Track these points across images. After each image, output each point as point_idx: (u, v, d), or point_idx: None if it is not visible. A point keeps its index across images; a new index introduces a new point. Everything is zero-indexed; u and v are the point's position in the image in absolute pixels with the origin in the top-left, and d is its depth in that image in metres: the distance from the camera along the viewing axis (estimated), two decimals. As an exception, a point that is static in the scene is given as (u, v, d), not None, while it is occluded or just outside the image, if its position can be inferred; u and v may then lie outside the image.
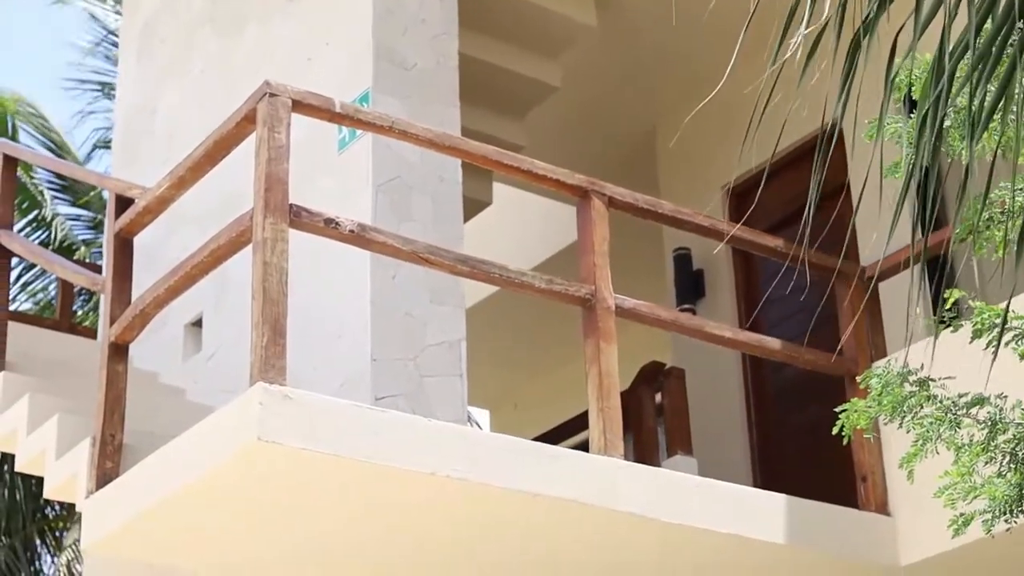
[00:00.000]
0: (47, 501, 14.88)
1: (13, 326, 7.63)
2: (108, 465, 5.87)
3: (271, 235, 5.14)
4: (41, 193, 15.50)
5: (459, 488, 5.27)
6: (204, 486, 5.23)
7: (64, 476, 6.29)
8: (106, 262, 6.34)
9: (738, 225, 6.59)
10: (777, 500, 6.09)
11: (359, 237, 5.47)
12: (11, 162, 7.79)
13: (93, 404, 6.09)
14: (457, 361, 6.89)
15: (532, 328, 11.63)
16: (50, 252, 9.90)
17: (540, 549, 5.85)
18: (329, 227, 5.38)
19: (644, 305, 6.17)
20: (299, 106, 5.42)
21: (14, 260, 15.05)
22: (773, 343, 6.58)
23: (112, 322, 6.06)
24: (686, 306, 9.46)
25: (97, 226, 15.84)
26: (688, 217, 6.54)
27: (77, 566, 13.15)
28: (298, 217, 5.28)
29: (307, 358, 6.36)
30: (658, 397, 8.05)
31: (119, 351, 6.06)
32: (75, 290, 13.85)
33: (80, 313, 14.82)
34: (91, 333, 9.56)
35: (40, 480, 14.68)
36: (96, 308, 13.51)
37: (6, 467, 14.05)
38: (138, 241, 6.38)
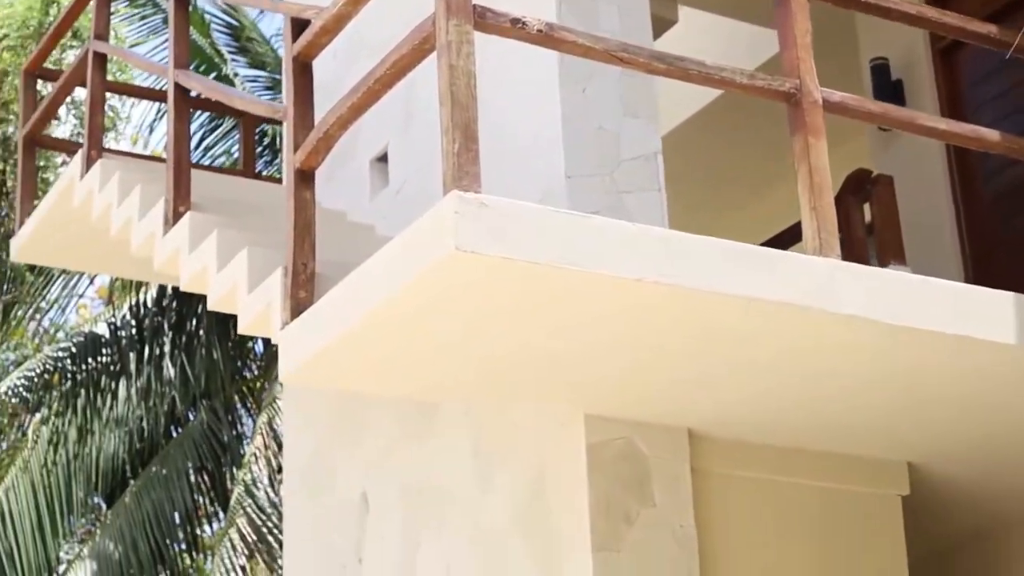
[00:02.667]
0: (245, 362, 14.96)
1: (196, 173, 7.48)
2: (301, 295, 5.71)
3: (455, 38, 4.85)
4: (219, 53, 15.42)
5: (667, 294, 4.98)
6: (399, 305, 5.01)
7: (257, 310, 6.14)
8: (286, 88, 6.13)
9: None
10: (1005, 299, 5.69)
11: (548, 37, 5.15)
12: (182, 2, 7.61)
13: (282, 238, 5.92)
14: (655, 175, 6.60)
15: (724, 157, 11.24)
16: (228, 87, 9.74)
17: (752, 355, 5.55)
18: (516, 27, 5.07)
19: (852, 98, 5.80)
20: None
21: (194, 126, 15.11)
22: (991, 135, 6.17)
23: (296, 148, 5.85)
24: (886, 119, 9.01)
25: (274, 86, 15.73)
26: (893, 5, 6.12)
27: (278, 422, 13.20)
28: (483, 18, 4.97)
29: (499, 178, 6.08)
30: (866, 208, 7.65)
31: (305, 178, 5.86)
32: (257, 150, 13.77)
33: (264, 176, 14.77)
34: (276, 181, 9.43)
35: (237, 342, 14.79)
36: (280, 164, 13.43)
37: (202, 329, 14.13)
38: (317, 78, 6.16)
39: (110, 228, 7.80)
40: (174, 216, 7.01)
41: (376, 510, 7.18)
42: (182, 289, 7.26)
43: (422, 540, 6.79)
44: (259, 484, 13.52)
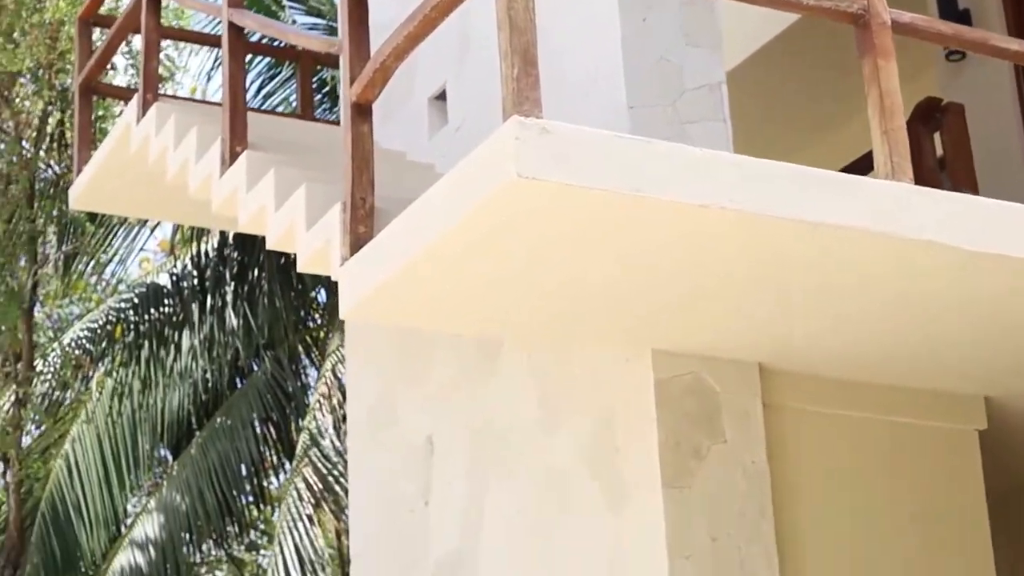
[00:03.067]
0: (309, 312, 14.90)
1: (254, 116, 7.37)
2: (361, 229, 5.58)
3: (513, -38, 4.69)
4: (277, 1, 15.31)
5: (736, 220, 4.83)
6: (460, 236, 4.87)
7: (315, 247, 6.02)
8: (341, 20, 5.99)
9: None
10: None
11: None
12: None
13: (340, 177, 5.80)
14: (719, 105, 6.45)
15: (784, 97, 11.03)
16: (283, 24, 9.61)
17: (825, 283, 5.38)
18: (574, -50, 4.93)
19: (921, 19, 5.62)
20: None
21: (253, 75, 15.01)
22: (1065, 56, 5.96)
23: (352, 82, 5.72)
24: (953, 51, 8.80)
25: (332, 33, 15.61)
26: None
27: (341, 370, 13.13)
28: (541, -59, 4.82)
29: (558, 109, 5.93)
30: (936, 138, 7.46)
31: (362, 112, 5.73)
32: (316, 97, 13.66)
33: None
34: (333, 123, 9.32)
35: (299, 291, 14.72)
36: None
37: (264, 279, 14.08)
38: (375, 19, 6.02)
39: (167, 172, 7.70)
40: (231, 156, 6.90)
41: (442, 453, 7.08)
42: (240, 230, 7.16)
43: (489, 482, 6.69)
44: (324, 433, 13.48)
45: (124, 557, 13.59)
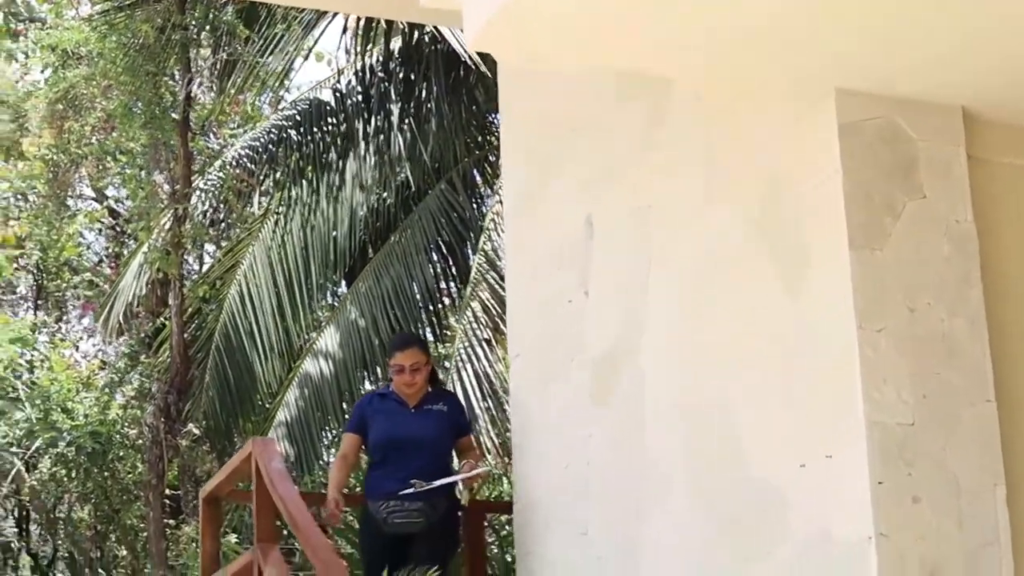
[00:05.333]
0: (481, 130, 14.20)
1: None
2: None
3: None
4: None
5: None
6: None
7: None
8: None
9: None
10: None
11: None
12: None
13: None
14: None
15: None
16: None
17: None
18: None
19: None
20: None
21: None
22: None
23: None
24: None
25: None
26: None
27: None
28: None
29: None
30: None
31: None
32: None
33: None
34: None
35: (473, 111, 13.99)
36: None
37: (432, 97, 13.40)
38: None
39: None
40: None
41: (602, 236, 6.35)
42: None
43: (652, 262, 5.95)
44: (500, 253, 12.81)
45: (295, 388, 13.16)
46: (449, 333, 14.00)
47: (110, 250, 16.85)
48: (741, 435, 5.31)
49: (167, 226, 12.22)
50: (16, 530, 14.86)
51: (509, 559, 8.60)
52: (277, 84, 13.88)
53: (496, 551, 9.97)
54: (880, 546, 4.63)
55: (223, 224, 14.78)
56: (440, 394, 7.15)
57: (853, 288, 4.83)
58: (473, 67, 12.97)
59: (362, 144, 13.40)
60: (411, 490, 6.66)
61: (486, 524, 8.39)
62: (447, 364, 12.99)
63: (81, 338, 16.79)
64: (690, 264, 5.71)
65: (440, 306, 13.84)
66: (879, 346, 4.80)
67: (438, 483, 6.69)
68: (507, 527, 9.36)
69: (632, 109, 6.17)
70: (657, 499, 5.76)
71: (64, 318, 16.99)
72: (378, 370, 13.07)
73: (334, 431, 13.09)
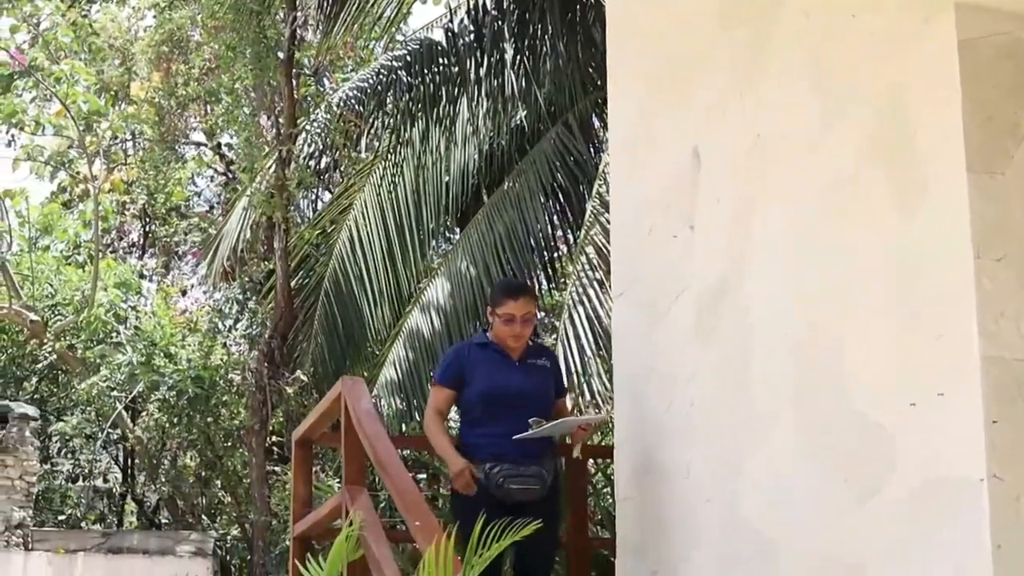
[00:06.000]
0: (598, 70, 13.91)
1: None
2: None
3: None
4: None
5: None
6: None
7: None
8: None
9: None
10: None
11: None
12: None
13: None
14: None
15: None
16: None
17: None
18: None
19: None
20: None
21: None
22: None
23: None
24: None
25: None
26: None
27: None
28: None
29: None
30: None
31: None
32: None
33: None
34: None
35: (590, 52, 13.66)
36: None
37: (547, 36, 13.12)
38: None
39: None
40: None
41: (708, 169, 6.08)
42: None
43: (759, 197, 5.68)
44: (615, 196, 12.55)
45: (403, 338, 12.98)
46: (563, 281, 13.77)
47: (222, 196, 16.79)
48: (850, 371, 5.03)
49: (271, 169, 12.08)
50: (121, 477, 14.91)
51: (610, 503, 8.39)
52: (389, 25, 13.63)
53: (600, 496, 9.77)
54: (992, 488, 4.34)
55: (332, 167, 14.63)
56: (541, 349, 6.71)
57: (971, 215, 4.53)
58: (591, 2, 12.63)
59: (474, 86, 13.13)
60: (528, 432, 6.12)
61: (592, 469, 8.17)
62: (559, 311, 12.75)
63: (192, 285, 16.80)
64: (800, 194, 5.43)
65: (556, 253, 13.58)
66: (997, 276, 4.50)
67: (555, 423, 6.25)
68: (609, 471, 9.15)
69: (736, 37, 5.91)
70: (763, 439, 5.50)
71: (172, 264, 16.99)
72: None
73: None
